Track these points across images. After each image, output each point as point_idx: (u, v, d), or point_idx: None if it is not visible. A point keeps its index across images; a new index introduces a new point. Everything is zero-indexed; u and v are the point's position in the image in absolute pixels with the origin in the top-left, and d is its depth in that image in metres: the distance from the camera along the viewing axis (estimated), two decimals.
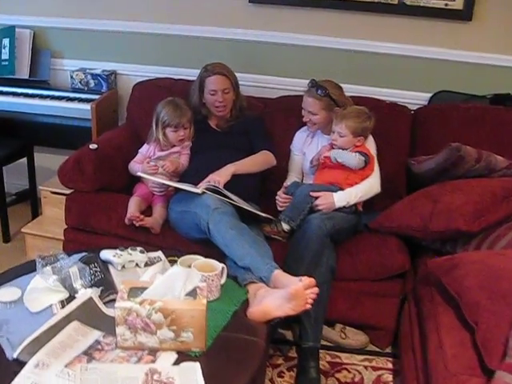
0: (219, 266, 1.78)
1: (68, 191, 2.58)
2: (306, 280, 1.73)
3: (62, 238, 2.58)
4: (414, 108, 2.87)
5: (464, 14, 2.80)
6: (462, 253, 1.94)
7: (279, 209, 2.45)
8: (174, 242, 2.39)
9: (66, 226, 2.55)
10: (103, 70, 3.20)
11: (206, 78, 2.64)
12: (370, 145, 2.52)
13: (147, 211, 2.49)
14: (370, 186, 2.42)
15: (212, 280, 1.73)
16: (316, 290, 1.74)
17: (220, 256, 2.09)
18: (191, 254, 1.89)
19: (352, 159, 2.36)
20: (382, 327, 2.36)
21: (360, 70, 3.02)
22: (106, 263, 1.91)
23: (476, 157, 2.22)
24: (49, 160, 3.41)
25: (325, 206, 2.32)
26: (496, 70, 2.86)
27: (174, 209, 2.41)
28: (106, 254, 1.89)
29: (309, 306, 1.73)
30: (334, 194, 2.35)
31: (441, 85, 2.95)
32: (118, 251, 1.89)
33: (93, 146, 2.60)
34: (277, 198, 2.47)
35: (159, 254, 2.01)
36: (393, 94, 2.99)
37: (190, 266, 1.80)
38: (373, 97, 2.86)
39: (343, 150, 2.43)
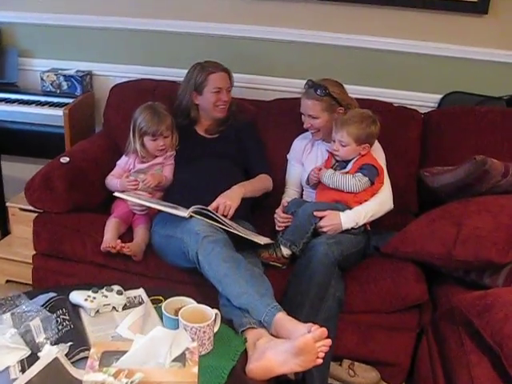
0: (212, 313, 1.49)
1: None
2: (317, 331, 1.45)
3: None
4: (423, 111, 2.59)
5: (479, 7, 2.51)
6: (496, 289, 1.67)
7: (278, 229, 2.17)
8: (158, 269, 2.10)
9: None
10: (77, 71, 2.88)
11: (209, 74, 2.35)
12: (378, 153, 2.24)
13: (127, 234, 2.19)
14: (382, 202, 2.14)
15: (204, 332, 1.43)
16: (329, 342, 1.45)
17: (212, 288, 1.81)
18: (179, 296, 1.59)
19: (350, 184, 2.07)
20: (395, 363, 2.09)
21: (362, 68, 2.73)
22: (76, 307, 1.61)
23: (503, 171, 1.95)
24: (19, 170, 3.08)
25: (330, 228, 2.04)
26: None
27: (157, 231, 2.11)
28: (76, 298, 1.59)
29: (319, 361, 1.46)
30: (341, 213, 2.06)
31: (452, 85, 2.67)
32: (90, 293, 1.59)
33: (64, 160, 2.28)
34: (275, 217, 2.19)
35: (140, 292, 1.71)
36: (398, 96, 2.72)
37: (176, 311, 1.51)
38: (377, 99, 2.57)
39: (344, 162, 2.14)
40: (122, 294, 1.62)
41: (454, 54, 2.63)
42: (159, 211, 2.08)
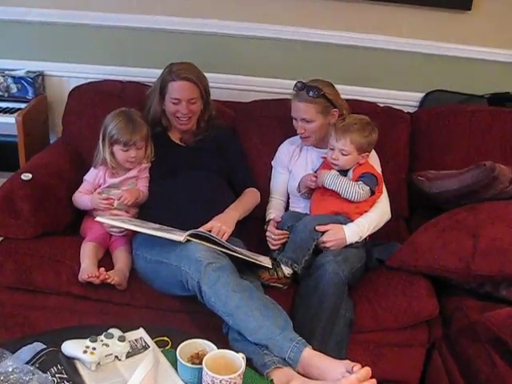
0: (239, 360, 1.29)
1: None
2: (362, 371, 1.31)
3: None
4: (406, 111, 2.48)
5: (462, 3, 2.44)
6: None
7: (272, 248, 2.00)
8: (146, 298, 1.88)
9: None
10: (27, 72, 2.57)
11: (169, 82, 2.11)
12: (374, 161, 2.12)
13: (105, 258, 1.95)
14: (382, 213, 2.03)
15: (234, 383, 1.24)
16: (374, 382, 1.30)
17: (209, 316, 1.64)
18: (190, 337, 1.38)
19: (354, 191, 1.93)
20: (404, 381, 1.98)
21: (339, 66, 2.60)
22: (70, 359, 1.36)
23: (510, 176, 1.87)
24: None
25: (334, 243, 1.90)
26: (496, 66, 2.54)
27: (142, 255, 1.88)
28: (72, 350, 1.35)
29: None
30: (345, 227, 1.92)
31: (434, 83, 2.60)
32: (88, 343, 1.35)
33: (26, 176, 1.99)
34: (268, 235, 2.02)
35: (142, 334, 1.48)
36: (379, 95, 2.63)
37: (192, 358, 1.31)
38: (359, 99, 2.44)
39: (343, 171, 2.00)
40: (124, 340, 1.39)
41: (436, 52, 2.56)
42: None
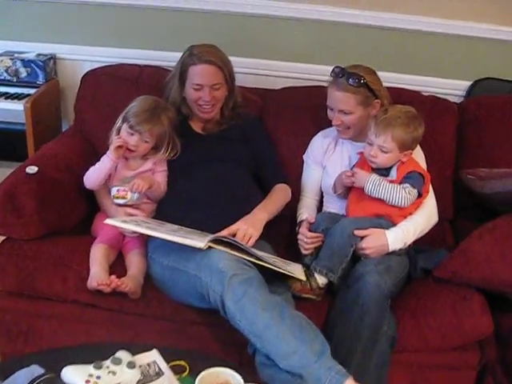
0: None
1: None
2: None
3: None
4: (451, 101, 2.23)
5: None
6: None
7: (304, 252, 1.78)
8: (162, 308, 1.69)
9: None
10: (38, 54, 2.40)
11: (189, 65, 1.90)
12: (419, 156, 1.88)
13: (117, 261, 1.75)
14: (429, 216, 1.80)
15: None
16: None
17: (233, 331, 1.44)
18: (210, 363, 1.18)
19: (400, 197, 1.69)
20: None
21: (377, 51, 2.36)
22: None
23: None
24: None
25: (374, 250, 1.68)
26: None
27: (158, 260, 1.69)
28: (73, 378, 1.15)
29: None
30: (387, 232, 1.70)
31: (482, 71, 2.34)
32: (92, 370, 1.15)
33: (31, 170, 1.80)
34: (300, 237, 1.79)
35: (155, 356, 1.27)
36: (420, 83, 2.37)
37: None
38: (405, 87, 2.20)
39: (385, 169, 1.76)
40: (134, 366, 1.19)
41: (485, 35, 2.29)
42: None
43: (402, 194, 1.68)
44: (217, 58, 1.90)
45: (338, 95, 1.81)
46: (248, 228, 1.63)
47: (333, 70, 1.85)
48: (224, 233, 1.59)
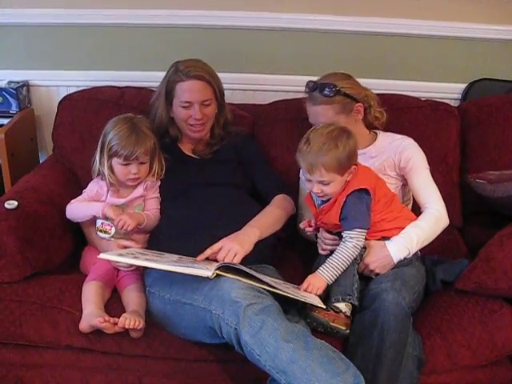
0: None
1: None
2: None
3: None
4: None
5: None
6: None
7: (321, 252, 1.67)
8: (166, 347, 1.53)
9: None
10: (9, 82, 2.25)
11: (176, 83, 1.79)
12: (415, 155, 1.76)
13: (113, 299, 1.59)
14: (435, 218, 1.68)
15: None
16: None
17: (249, 366, 1.32)
18: None
19: (352, 252, 1.54)
20: None
21: (368, 58, 2.29)
22: None
23: None
24: None
25: (379, 264, 1.58)
26: None
27: (158, 295, 1.53)
28: None
29: None
30: (387, 242, 1.60)
31: (477, 72, 2.28)
32: None
33: (10, 205, 1.64)
34: (319, 238, 1.68)
35: None
36: (415, 88, 2.28)
37: None
38: (399, 93, 2.12)
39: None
40: None
41: (477, 35, 2.23)
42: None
43: (351, 250, 1.53)
44: (205, 72, 1.78)
45: (315, 110, 1.74)
46: (233, 245, 1.49)
47: (306, 84, 1.77)
48: (208, 252, 1.46)
